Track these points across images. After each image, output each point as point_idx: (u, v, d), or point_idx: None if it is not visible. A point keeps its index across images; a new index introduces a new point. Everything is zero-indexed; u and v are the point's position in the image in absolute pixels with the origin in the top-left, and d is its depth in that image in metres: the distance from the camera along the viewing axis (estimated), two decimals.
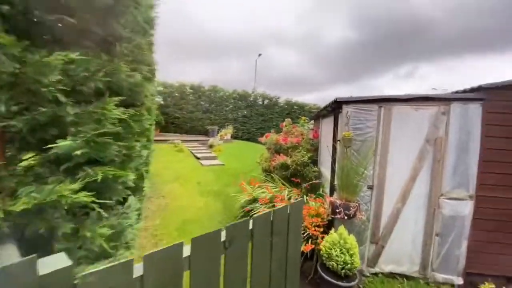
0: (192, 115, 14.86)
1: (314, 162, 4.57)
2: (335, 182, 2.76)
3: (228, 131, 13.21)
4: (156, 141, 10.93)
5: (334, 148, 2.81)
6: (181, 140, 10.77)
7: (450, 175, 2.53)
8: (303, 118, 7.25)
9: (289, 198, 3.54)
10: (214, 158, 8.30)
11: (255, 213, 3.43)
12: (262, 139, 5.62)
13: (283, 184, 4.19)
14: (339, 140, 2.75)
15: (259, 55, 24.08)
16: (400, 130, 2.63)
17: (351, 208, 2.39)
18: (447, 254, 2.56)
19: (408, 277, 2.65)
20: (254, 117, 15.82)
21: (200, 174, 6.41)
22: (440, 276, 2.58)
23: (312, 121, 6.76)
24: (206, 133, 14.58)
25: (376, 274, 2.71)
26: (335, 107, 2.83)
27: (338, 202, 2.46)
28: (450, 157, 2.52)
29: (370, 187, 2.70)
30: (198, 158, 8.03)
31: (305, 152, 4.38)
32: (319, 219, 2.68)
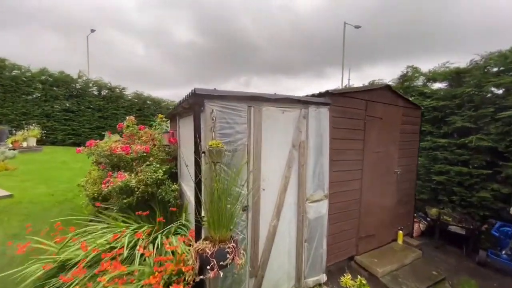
0: None
1: (173, 175, 3.46)
2: (202, 215, 1.88)
3: (31, 134, 8.34)
4: None
5: (198, 163, 1.91)
6: None
7: (311, 178, 2.52)
8: (160, 116, 5.81)
9: (133, 247, 2.21)
10: None
11: None
12: (82, 149, 3.57)
13: (124, 222, 2.71)
14: (203, 152, 1.89)
15: (92, 30, 18.37)
16: (270, 135, 2.23)
17: (228, 254, 1.63)
18: (314, 256, 2.58)
19: None
20: (85, 112, 11.40)
21: None
22: (311, 281, 2.56)
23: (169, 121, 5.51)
24: None
25: None
26: (195, 103, 1.92)
27: (209, 250, 1.60)
28: (311, 161, 2.49)
29: (245, 209, 2.11)
30: None
31: (158, 165, 3.14)
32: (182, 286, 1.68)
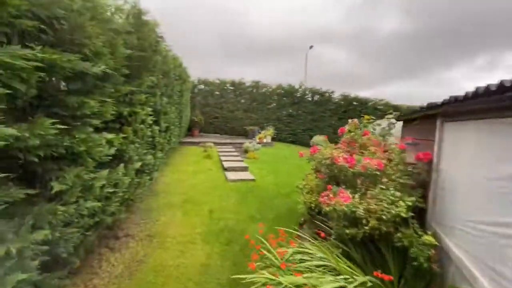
0: (231, 115, 13.56)
1: (419, 212, 2.17)
2: None
3: (268, 133, 11.28)
4: (186, 143, 9.93)
5: None
6: (215, 142, 9.43)
7: None
8: (366, 117, 4.66)
9: None
10: (244, 169, 6.50)
11: None
12: (303, 153, 3.43)
13: (348, 266, 1.97)
14: None
15: (311, 47, 21.40)
16: None
17: None
18: None
19: None
20: (301, 115, 13.45)
21: (218, 196, 4.69)
22: None
23: (381, 123, 4.13)
24: (245, 134, 13.07)
25: None
26: None
27: None
28: None
29: None
30: (225, 169, 6.38)
31: (398, 194, 2.04)
32: None
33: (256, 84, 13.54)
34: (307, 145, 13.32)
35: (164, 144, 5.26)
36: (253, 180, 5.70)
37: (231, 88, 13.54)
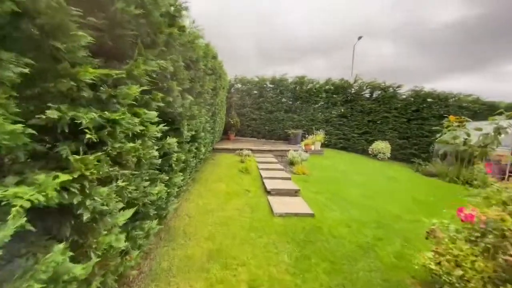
0: (271, 116, 11.89)
1: None
2: None
3: (317, 139, 9.22)
4: (220, 149, 8.59)
5: None
6: (252, 150, 7.87)
7: None
8: (452, 118, 2.63)
9: None
10: (293, 193, 4.71)
11: None
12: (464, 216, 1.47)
13: None
14: None
15: (359, 38, 18.44)
16: None
17: None
18: None
19: None
20: (356, 116, 11.02)
21: (261, 247, 3.00)
22: None
23: (482, 127, 1.91)
24: (286, 138, 11.25)
25: None
26: None
27: None
28: None
29: None
30: (267, 192, 4.70)
31: None
32: None
33: (300, 80, 11.58)
34: (363, 152, 10.84)
35: (188, 161, 3.83)
36: (311, 215, 3.87)
37: (271, 86, 11.86)
